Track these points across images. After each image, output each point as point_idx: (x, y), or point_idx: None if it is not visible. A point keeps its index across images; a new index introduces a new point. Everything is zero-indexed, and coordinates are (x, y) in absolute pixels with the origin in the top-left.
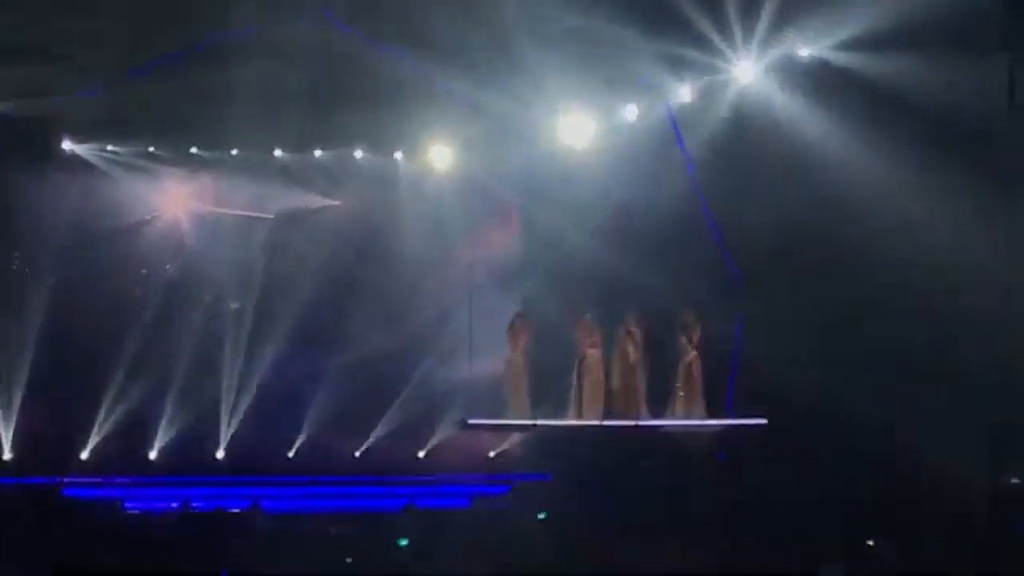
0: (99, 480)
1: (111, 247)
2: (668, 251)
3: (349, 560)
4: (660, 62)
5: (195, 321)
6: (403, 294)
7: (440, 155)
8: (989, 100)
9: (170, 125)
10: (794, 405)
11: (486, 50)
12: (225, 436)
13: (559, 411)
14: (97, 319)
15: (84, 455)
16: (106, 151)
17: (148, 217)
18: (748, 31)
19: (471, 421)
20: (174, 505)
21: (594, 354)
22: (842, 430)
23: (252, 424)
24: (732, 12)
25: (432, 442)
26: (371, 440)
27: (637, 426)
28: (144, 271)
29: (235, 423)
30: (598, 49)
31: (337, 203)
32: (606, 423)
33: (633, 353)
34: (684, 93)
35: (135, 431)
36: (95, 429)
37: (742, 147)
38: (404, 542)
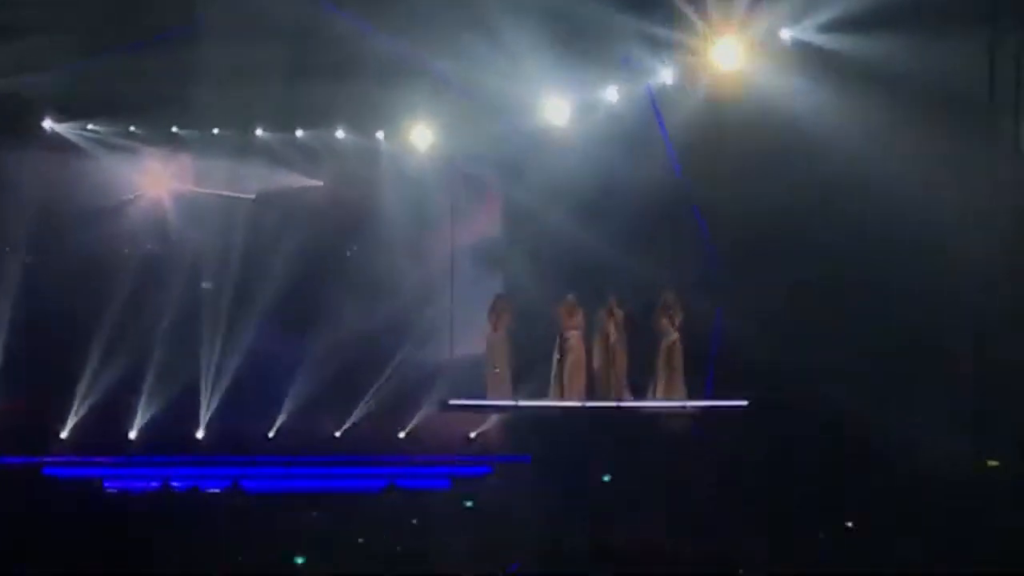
0: (78, 460)
1: (90, 226)
2: (651, 232)
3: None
4: (641, 43)
5: (175, 301)
6: (384, 274)
7: (421, 135)
8: (972, 79)
9: (151, 104)
10: (774, 386)
11: (467, 29)
12: (205, 416)
13: (540, 391)
14: (77, 298)
15: (63, 434)
16: (87, 130)
17: (129, 196)
18: (729, 12)
19: (452, 402)
20: (154, 484)
21: (575, 335)
22: (821, 411)
23: (232, 404)
24: None
25: (413, 423)
26: (352, 420)
27: (618, 407)
28: (126, 251)
29: (215, 403)
30: (579, 29)
31: (319, 183)
32: (587, 404)
33: (614, 334)
34: (665, 74)
35: (115, 411)
36: (75, 408)
37: (722, 129)
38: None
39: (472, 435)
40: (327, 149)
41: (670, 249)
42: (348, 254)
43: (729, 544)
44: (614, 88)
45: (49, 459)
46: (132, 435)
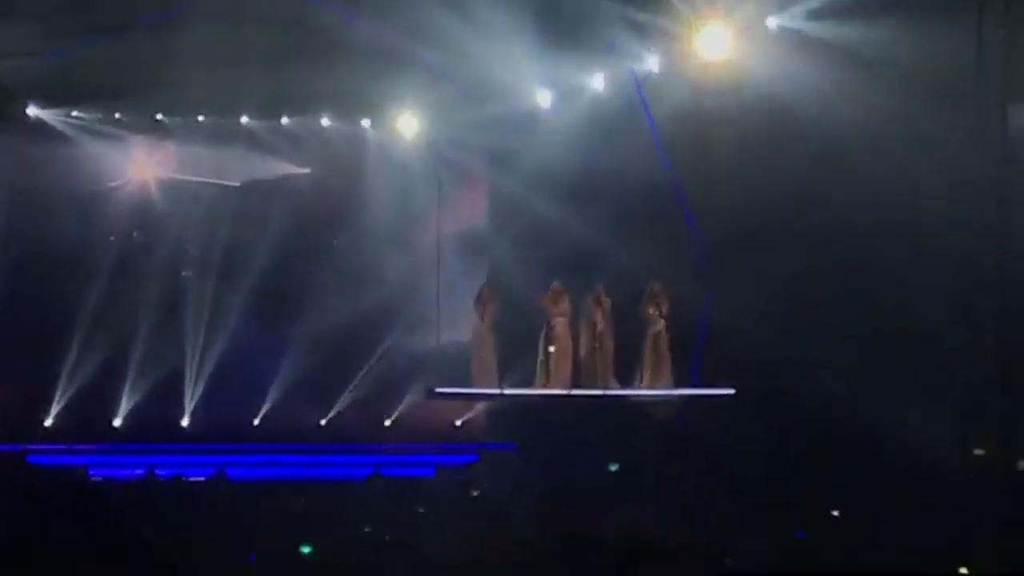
0: (63, 447)
1: (75, 213)
2: (637, 220)
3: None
4: (627, 30)
5: (160, 288)
6: (370, 262)
7: (407, 123)
8: (959, 64)
9: (136, 90)
10: (761, 375)
11: (452, 15)
12: (190, 404)
13: (526, 380)
14: (62, 286)
15: (48, 422)
16: (71, 117)
17: (113, 184)
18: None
19: (438, 390)
20: (139, 472)
21: (562, 323)
22: (808, 399)
23: (218, 392)
24: None
25: (398, 411)
26: (337, 408)
27: (604, 395)
28: (111, 238)
29: (201, 391)
30: (565, 16)
31: (306, 171)
32: (573, 392)
33: (602, 322)
34: (651, 62)
35: (100, 398)
36: (60, 396)
37: (709, 117)
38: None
39: (458, 423)
40: (313, 137)
41: (656, 237)
42: (335, 243)
43: (716, 533)
44: (600, 75)
45: (33, 447)
46: (117, 423)
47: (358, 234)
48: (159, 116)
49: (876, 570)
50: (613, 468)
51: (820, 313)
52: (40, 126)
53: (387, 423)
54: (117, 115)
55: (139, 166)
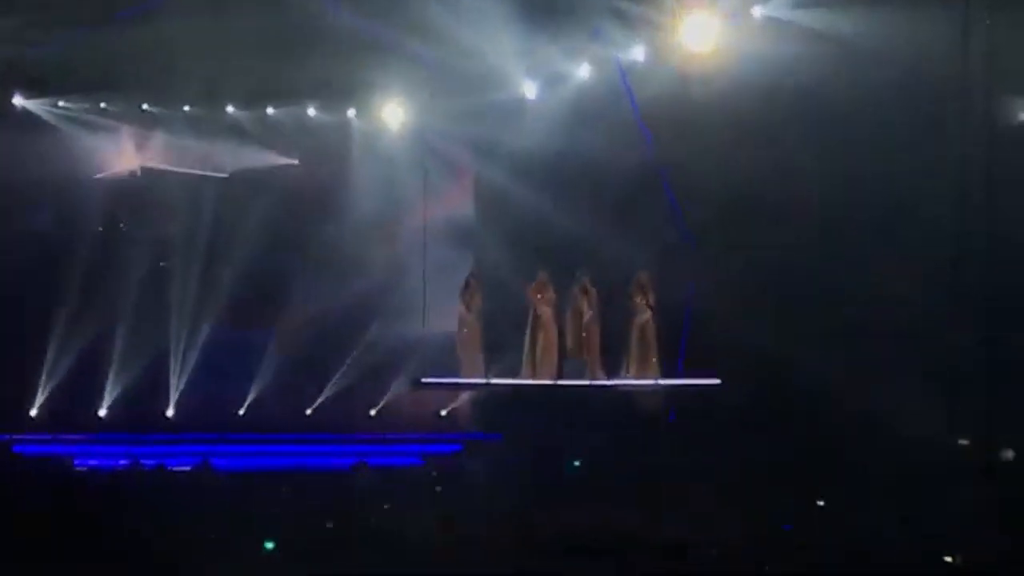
0: (49, 437)
1: (62, 203)
2: (623, 210)
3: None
4: (612, 18)
5: (146, 278)
6: (356, 252)
7: (393, 113)
8: (945, 54)
9: (122, 81)
10: (746, 364)
11: (437, 4)
12: (175, 394)
13: (512, 369)
14: (48, 275)
15: (34, 412)
16: (57, 107)
17: (100, 174)
18: None
19: (424, 380)
20: (124, 462)
21: (547, 312)
22: (794, 389)
23: (203, 382)
24: None
25: (384, 401)
26: (323, 398)
27: (591, 385)
28: (99, 228)
29: (186, 381)
30: (550, 4)
31: (294, 162)
32: (560, 382)
33: (588, 312)
34: (636, 51)
35: (86, 389)
36: (45, 387)
37: (694, 106)
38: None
39: (443, 413)
40: (298, 127)
41: (642, 227)
42: (324, 232)
43: (700, 523)
44: (585, 65)
45: (19, 436)
46: (102, 413)
47: (343, 224)
48: (145, 106)
49: (861, 560)
50: (576, 464)
51: (805, 303)
52: (26, 116)
53: (372, 413)
54: (103, 105)
55: (125, 156)
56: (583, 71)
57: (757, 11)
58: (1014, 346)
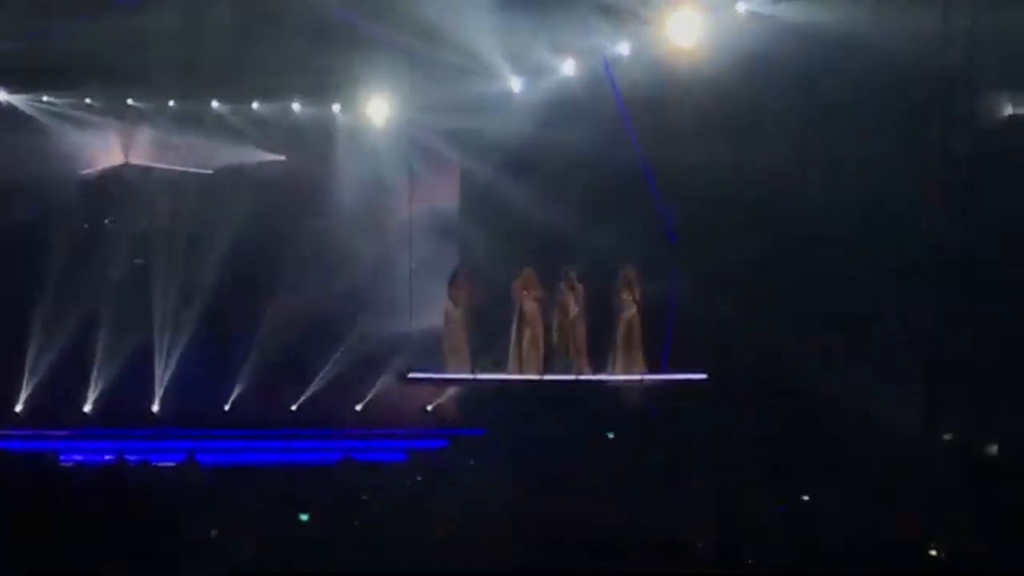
0: (34, 433)
1: (47, 199)
2: (609, 205)
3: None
4: (598, 13)
5: (131, 274)
6: (342, 247)
7: (377, 107)
8: (927, 50)
9: (107, 75)
10: (731, 359)
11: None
12: (160, 389)
13: (499, 365)
14: (34, 272)
15: (18, 408)
16: (42, 102)
17: (85, 170)
18: None
19: (411, 375)
20: (109, 458)
21: (533, 308)
22: (778, 384)
23: (188, 377)
24: None
25: (369, 396)
26: (308, 394)
27: (576, 380)
28: (85, 225)
29: (171, 376)
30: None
31: (280, 158)
32: (545, 377)
33: (575, 308)
34: (622, 46)
35: (70, 384)
36: (30, 383)
37: (679, 101)
38: None
39: (429, 408)
40: (283, 121)
41: (628, 222)
42: (311, 227)
43: (687, 518)
44: (570, 59)
45: (3, 432)
46: (87, 409)
47: (329, 219)
48: (130, 101)
49: (846, 554)
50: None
51: (790, 297)
52: (11, 111)
53: (358, 408)
54: (88, 100)
55: (111, 152)
56: (568, 66)
57: (741, 6)
58: (999, 340)
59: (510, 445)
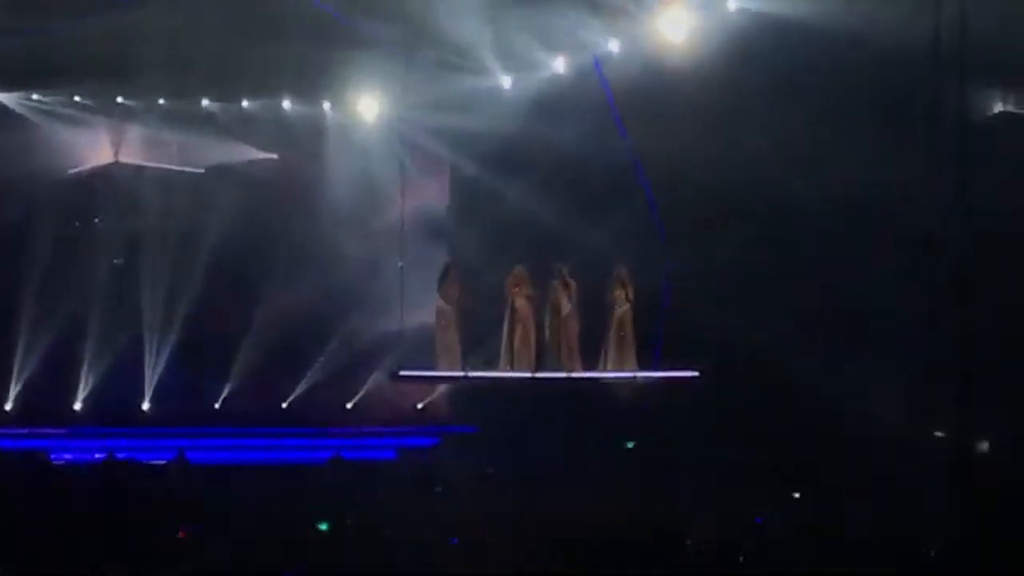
0: (25, 431)
1: (36, 198)
2: (601, 202)
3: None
4: (589, 10)
5: (121, 273)
6: (333, 245)
7: (368, 105)
8: (919, 45)
9: (97, 73)
10: (722, 357)
11: None
12: (151, 387)
13: (490, 362)
14: (23, 270)
15: (8, 406)
16: (31, 99)
17: (75, 169)
18: None
19: (402, 372)
20: (100, 456)
21: (525, 305)
22: (769, 382)
23: (179, 375)
24: None
25: (360, 394)
26: (298, 392)
27: (569, 378)
28: (76, 224)
29: (161, 375)
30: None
31: (272, 156)
32: (537, 375)
33: (567, 305)
34: (612, 43)
35: (61, 383)
36: (20, 381)
37: (670, 98)
38: None
39: (420, 406)
40: (274, 119)
41: (619, 219)
42: (299, 228)
43: (679, 516)
44: (560, 56)
45: None
46: (77, 407)
47: (320, 217)
48: (120, 99)
49: (837, 552)
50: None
51: (781, 294)
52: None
53: (349, 406)
54: (78, 98)
55: (100, 150)
56: (559, 63)
57: (731, 2)
58: (989, 336)
59: (502, 443)
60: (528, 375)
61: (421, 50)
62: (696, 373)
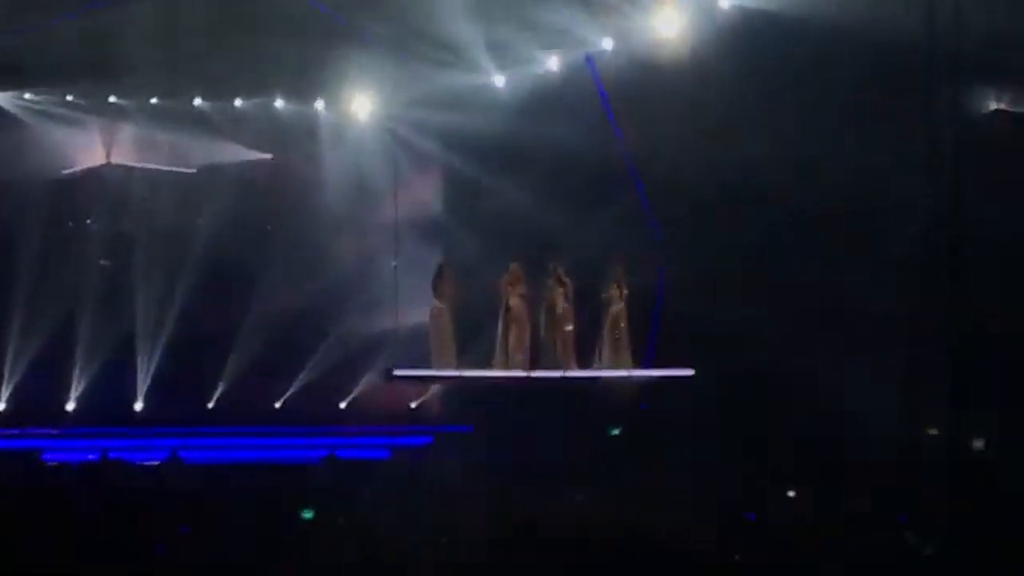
0: (17, 431)
1: (29, 198)
2: (594, 200)
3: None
4: (581, 8)
5: (115, 273)
6: (327, 244)
7: (361, 104)
8: (913, 37)
9: (89, 72)
10: (715, 354)
11: None
12: (143, 387)
13: (485, 362)
14: (17, 270)
15: (1, 407)
16: (23, 99)
17: (67, 169)
18: None
19: (396, 372)
20: (92, 456)
21: (520, 304)
22: (764, 381)
23: (172, 375)
24: None
25: (354, 393)
26: (292, 391)
27: (563, 377)
28: (70, 223)
29: (154, 374)
30: None
31: (265, 156)
32: (532, 374)
33: (563, 304)
34: (605, 41)
35: (53, 383)
36: (12, 381)
37: (663, 95)
38: None
39: (414, 405)
40: (266, 119)
41: (614, 218)
42: (293, 227)
43: (673, 514)
44: (553, 54)
45: None
46: (70, 407)
47: (313, 215)
48: (112, 98)
49: (831, 548)
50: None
51: (774, 293)
52: None
53: (342, 405)
54: (69, 97)
55: (92, 150)
56: (552, 61)
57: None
58: (984, 334)
59: (496, 442)
60: (523, 374)
61: (414, 49)
62: (691, 372)
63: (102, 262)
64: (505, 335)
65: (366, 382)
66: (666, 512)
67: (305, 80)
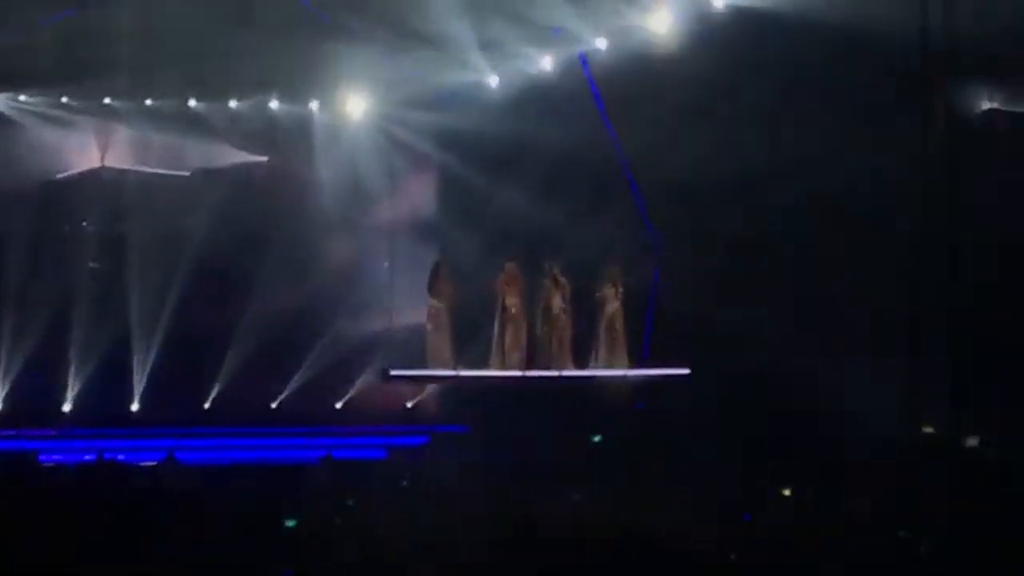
0: (13, 432)
1: (25, 201)
2: (591, 200)
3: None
4: (575, 8)
5: (110, 275)
6: (322, 244)
7: (356, 104)
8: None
9: (83, 74)
10: (715, 355)
11: None
12: (139, 388)
13: (481, 362)
14: (12, 273)
15: None
16: (17, 101)
17: (62, 172)
18: None
19: (393, 372)
20: (89, 457)
21: (516, 304)
22: (763, 380)
23: (168, 376)
24: None
25: (350, 393)
26: (288, 392)
27: (559, 377)
28: (66, 228)
29: (151, 375)
30: None
31: (260, 157)
32: (528, 374)
33: (559, 304)
34: (599, 41)
35: (50, 384)
36: (8, 382)
37: (657, 94)
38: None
39: (409, 405)
40: (261, 120)
41: (610, 217)
42: (288, 228)
43: (671, 515)
44: (548, 55)
45: None
46: (66, 408)
47: (308, 216)
48: (107, 100)
49: (828, 547)
50: (596, 439)
51: (771, 292)
52: None
53: (338, 406)
54: (64, 99)
55: (88, 153)
56: (546, 62)
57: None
58: (983, 334)
59: (493, 442)
60: (519, 374)
61: (409, 49)
62: (688, 371)
63: (91, 264)
64: (501, 335)
65: (362, 382)
66: (666, 512)
67: (300, 80)
